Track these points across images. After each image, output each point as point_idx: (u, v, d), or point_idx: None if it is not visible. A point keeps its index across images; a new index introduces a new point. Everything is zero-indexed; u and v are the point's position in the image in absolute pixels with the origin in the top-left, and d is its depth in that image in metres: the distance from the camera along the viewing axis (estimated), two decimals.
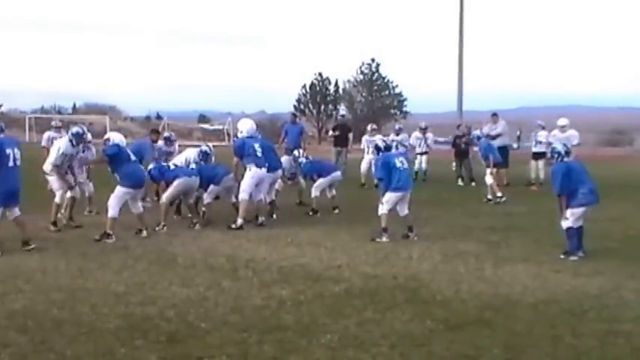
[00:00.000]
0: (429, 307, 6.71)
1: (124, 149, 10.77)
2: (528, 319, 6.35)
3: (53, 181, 11.42)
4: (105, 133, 14.60)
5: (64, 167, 11.38)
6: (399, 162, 10.59)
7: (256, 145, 11.83)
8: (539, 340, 5.78)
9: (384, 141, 11.67)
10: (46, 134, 17.83)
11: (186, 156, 12.69)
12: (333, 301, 6.97)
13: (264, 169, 11.81)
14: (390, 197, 10.42)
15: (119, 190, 10.43)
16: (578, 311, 6.61)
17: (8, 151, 9.23)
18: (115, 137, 11.00)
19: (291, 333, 5.90)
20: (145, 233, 10.57)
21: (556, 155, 9.66)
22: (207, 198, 12.03)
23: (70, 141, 11.27)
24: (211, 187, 11.97)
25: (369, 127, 20.55)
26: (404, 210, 10.62)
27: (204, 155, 12.48)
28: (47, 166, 11.40)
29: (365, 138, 19.99)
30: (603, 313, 6.54)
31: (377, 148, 11.50)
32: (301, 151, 14.67)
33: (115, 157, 10.54)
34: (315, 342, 5.68)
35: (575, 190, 9.22)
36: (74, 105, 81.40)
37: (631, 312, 6.60)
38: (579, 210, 9.18)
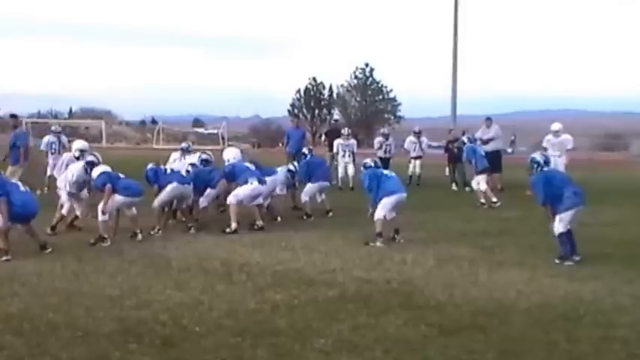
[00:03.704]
0: (422, 312, 6.71)
1: (111, 174, 10.83)
2: (522, 324, 6.36)
3: (64, 194, 11.42)
4: (101, 137, 14.61)
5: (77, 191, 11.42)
6: (386, 171, 11.18)
7: (247, 165, 12.40)
8: (533, 346, 5.78)
9: (375, 161, 11.59)
10: (46, 138, 17.94)
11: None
12: (326, 305, 6.97)
13: (264, 186, 12.07)
14: (386, 202, 10.48)
15: (117, 198, 10.43)
16: (573, 316, 6.62)
17: None
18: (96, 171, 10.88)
19: (285, 337, 5.90)
20: (139, 237, 10.55)
21: (535, 165, 9.74)
22: (203, 202, 12.04)
23: (85, 169, 11.13)
24: (208, 190, 12.00)
25: (344, 131, 20.58)
26: (392, 213, 10.68)
27: (206, 162, 12.65)
28: (60, 183, 11.63)
29: (338, 142, 19.89)
30: (598, 319, 6.54)
31: (365, 167, 11.38)
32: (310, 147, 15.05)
33: (108, 183, 10.58)
34: (309, 346, 5.68)
35: (559, 196, 9.22)
36: (70, 109, 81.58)
37: (626, 317, 6.60)
38: (567, 214, 9.17)
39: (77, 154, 11.96)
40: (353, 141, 20.15)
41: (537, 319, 6.51)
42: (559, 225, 9.14)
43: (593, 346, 5.76)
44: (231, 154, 12.99)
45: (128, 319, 6.39)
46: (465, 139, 18.14)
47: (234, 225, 11.28)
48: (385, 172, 11.17)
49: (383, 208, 10.47)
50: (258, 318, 6.50)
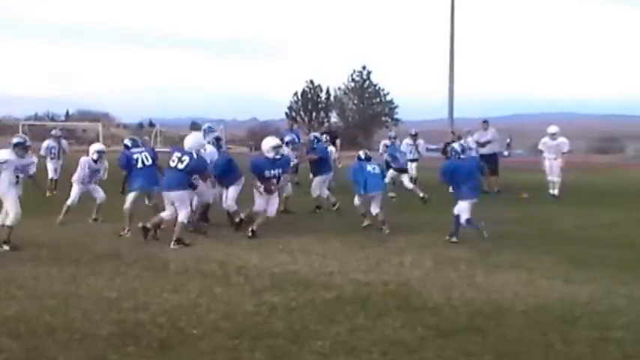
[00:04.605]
0: (420, 314, 6.73)
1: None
2: (519, 326, 6.38)
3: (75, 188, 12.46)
4: (98, 139, 14.74)
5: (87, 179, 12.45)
6: (371, 167, 12.12)
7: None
8: (530, 347, 5.80)
9: (366, 152, 12.71)
10: (45, 143, 17.91)
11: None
12: (324, 307, 6.98)
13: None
14: (365, 196, 12.06)
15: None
16: (570, 318, 6.64)
17: None
18: None
19: (283, 339, 5.91)
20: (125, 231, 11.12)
21: (453, 153, 11.44)
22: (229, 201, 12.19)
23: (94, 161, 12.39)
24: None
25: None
26: (376, 209, 11.93)
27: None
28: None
29: None
30: (594, 320, 6.57)
31: (359, 158, 12.46)
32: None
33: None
34: (307, 348, 5.69)
35: (460, 186, 11.00)
36: (67, 112, 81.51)
37: (622, 319, 6.62)
38: (464, 203, 10.87)
39: (95, 156, 12.63)
40: (332, 148, 20.23)
41: (534, 321, 6.53)
42: (463, 212, 10.84)
43: (589, 348, 5.78)
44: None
45: (126, 322, 6.40)
46: (456, 146, 18.21)
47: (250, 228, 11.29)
48: (370, 167, 12.12)
49: (358, 199, 12.21)
50: (256, 320, 6.51)
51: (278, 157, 11.56)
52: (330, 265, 9.07)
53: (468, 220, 10.83)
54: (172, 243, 10.20)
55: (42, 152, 17.42)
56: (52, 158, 17.54)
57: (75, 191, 12.60)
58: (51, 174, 17.39)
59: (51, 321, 6.41)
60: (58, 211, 12.38)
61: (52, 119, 70.29)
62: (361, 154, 12.56)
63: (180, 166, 10.53)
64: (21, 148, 10.32)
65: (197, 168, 10.71)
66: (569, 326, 6.40)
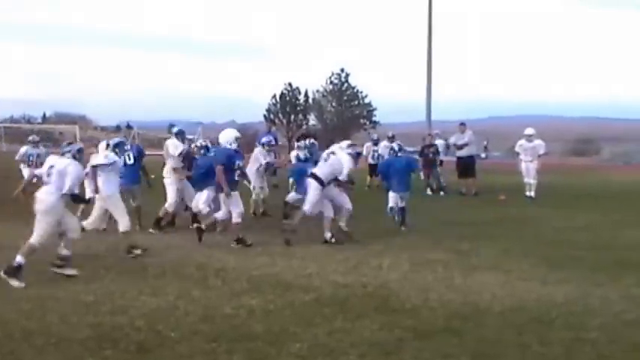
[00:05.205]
0: (398, 316, 6.76)
1: None
2: (496, 327, 6.42)
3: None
4: (75, 142, 14.68)
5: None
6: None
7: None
8: (507, 348, 5.84)
9: (305, 156, 13.67)
10: (23, 149, 17.42)
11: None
12: (303, 309, 6.99)
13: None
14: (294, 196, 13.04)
15: None
16: (546, 319, 6.70)
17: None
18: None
19: (261, 342, 5.91)
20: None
21: (391, 151, 14.17)
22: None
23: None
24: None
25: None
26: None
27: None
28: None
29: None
30: (570, 321, 6.63)
31: (297, 159, 13.66)
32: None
33: None
34: (285, 351, 5.70)
35: (390, 179, 12.75)
36: (44, 114, 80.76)
37: (597, 320, 6.69)
38: (393, 194, 12.59)
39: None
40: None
41: (511, 322, 6.58)
42: (390, 200, 12.61)
43: (564, 348, 5.84)
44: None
45: (103, 325, 6.36)
46: (440, 143, 18.30)
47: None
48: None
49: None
50: (234, 323, 6.50)
51: (239, 149, 11.41)
52: (309, 267, 9.08)
53: (390, 209, 12.63)
54: (233, 243, 10.60)
55: (17, 157, 17.09)
56: (29, 165, 17.01)
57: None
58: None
59: (27, 325, 6.36)
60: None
61: (29, 122, 69.57)
62: (300, 155, 13.86)
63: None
64: (122, 149, 10.86)
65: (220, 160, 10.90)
66: (546, 327, 6.45)
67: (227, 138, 11.17)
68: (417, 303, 7.27)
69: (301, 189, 12.32)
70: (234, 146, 11.12)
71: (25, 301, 7.18)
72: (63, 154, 8.68)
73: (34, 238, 8.25)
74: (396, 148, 13.76)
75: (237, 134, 11.47)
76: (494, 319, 6.72)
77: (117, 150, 10.67)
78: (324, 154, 11.74)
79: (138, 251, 9.84)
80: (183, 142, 12.96)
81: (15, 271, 7.99)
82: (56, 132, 64.31)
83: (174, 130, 13.38)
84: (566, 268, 9.04)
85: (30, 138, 18.36)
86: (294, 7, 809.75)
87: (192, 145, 13.06)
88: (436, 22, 34.30)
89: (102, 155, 10.36)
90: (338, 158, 11.40)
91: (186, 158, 12.72)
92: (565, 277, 8.55)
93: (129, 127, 28.04)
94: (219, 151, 11.26)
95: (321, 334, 6.16)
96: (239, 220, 10.78)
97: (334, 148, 11.95)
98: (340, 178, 11.32)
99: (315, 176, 11.17)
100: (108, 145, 11.21)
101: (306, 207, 11.17)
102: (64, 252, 8.60)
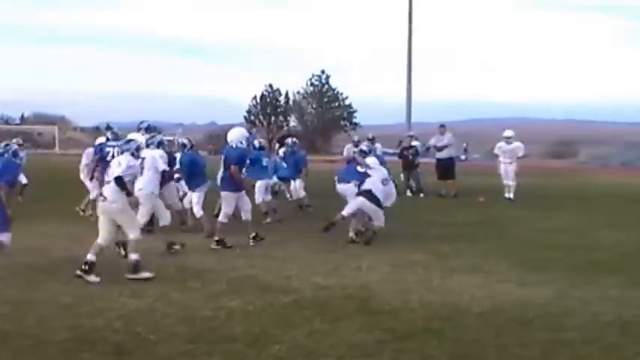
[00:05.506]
0: (378, 318, 6.77)
1: None
2: (475, 328, 6.46)
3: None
4: (54, 143, 14.65)
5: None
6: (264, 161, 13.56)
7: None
8: (485, 349, 5.88)
9: (260, 142, 14.50)
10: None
11: None
12: (282, 311, 6.99)
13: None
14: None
15: None
16: (524, 320, 6.74)
17: None
18: None
19: (240, 344, 5.90)
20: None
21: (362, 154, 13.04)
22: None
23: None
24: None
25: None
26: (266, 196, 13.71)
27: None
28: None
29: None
30: (548, 322, 6.68)
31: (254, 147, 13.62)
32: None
33: None
34: (264, 353, 5.69)
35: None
36: (22, 115, 79.91)
37: (575, 321, 6.74)
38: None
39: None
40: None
41: (489, 323, 6.62)
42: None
43: (542, 349, 5.88)
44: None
45: (81, 327, 6.32)
46: (417, 144, 18.35)
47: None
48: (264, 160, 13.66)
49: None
50: (213, 325, 6.48)
51: (247, 146, 11.44)
52: (288, 269, 9.06)
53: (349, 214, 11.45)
54: (213, 244, 10.57)
55: None
56: None
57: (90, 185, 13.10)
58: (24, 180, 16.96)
59: (4, 327, 6.31)
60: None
61: (7, 122, 68.85)
62: (256, 143, 13.92)
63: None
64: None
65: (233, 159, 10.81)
66: (524, 328, 6.50)
67: (237, 137, 11.09)
68: (396, 304, 7.29)
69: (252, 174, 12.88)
70: (244, 145, 11.12)
71: (2, 304, 7.11)
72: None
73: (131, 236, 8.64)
74: (367, 150, 13.03)
75: (247, 133, 11.52)
76: (474, 320, 6.76)
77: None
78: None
79: (177, 247, 10.18)
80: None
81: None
82: (35, 133, 63.77)
83: (144, 124, 12.35)
84: (544, 270, 9.11)
85: (14, 140, 18.17)
86: (274, 8, 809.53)
87: (174, 140, 13.09)
88: (416, 23, 34.46)
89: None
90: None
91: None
92: (543, 278, 8.62)
93: (108, 127, 27.84)
94: (231, 150, 11.03)
95: (301, 335, 6.16)
96: (225, 220, 10.74)
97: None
98: None
99: (371, 195, 11.19)
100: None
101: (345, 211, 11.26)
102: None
